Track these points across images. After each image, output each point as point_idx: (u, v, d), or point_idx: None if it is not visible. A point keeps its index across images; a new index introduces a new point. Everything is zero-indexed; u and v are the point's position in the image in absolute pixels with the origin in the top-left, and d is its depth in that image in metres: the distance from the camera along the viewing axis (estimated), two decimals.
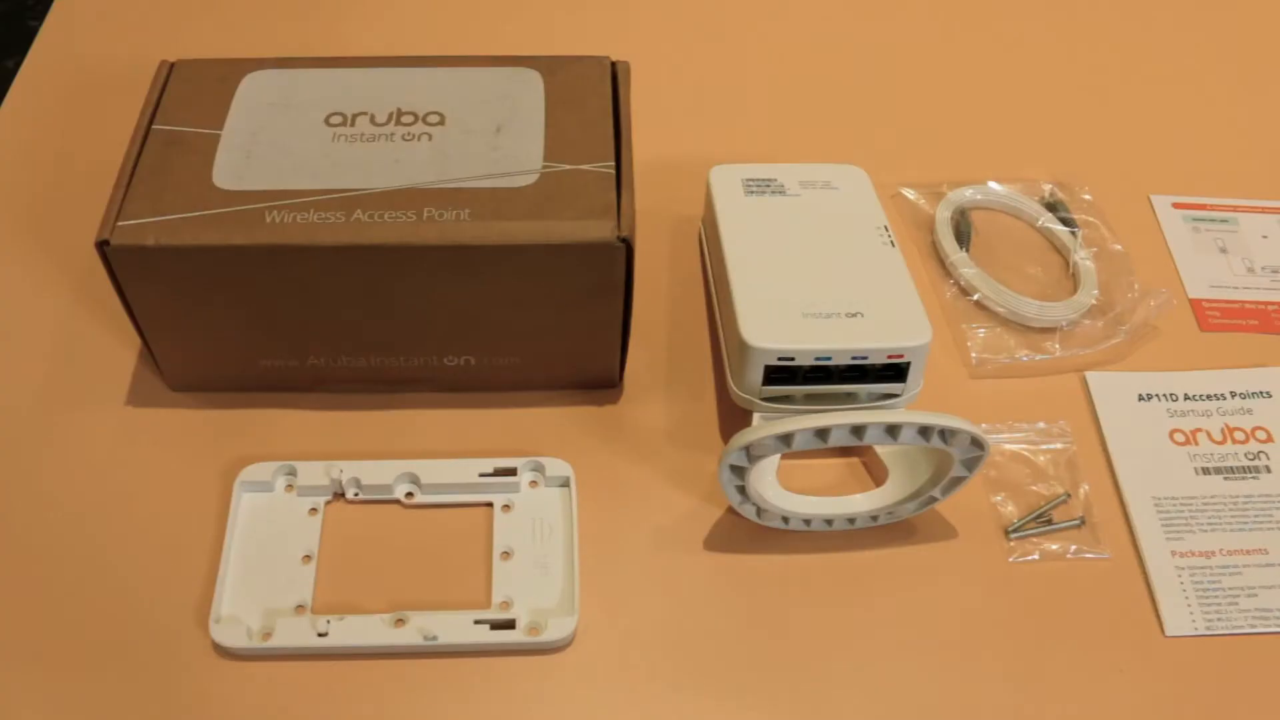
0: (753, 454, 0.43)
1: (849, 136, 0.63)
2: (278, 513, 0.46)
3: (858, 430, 0.42)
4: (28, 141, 0.60)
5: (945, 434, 0.43)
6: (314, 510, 0.46)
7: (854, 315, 0.46)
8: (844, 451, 0.50)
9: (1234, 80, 0.68)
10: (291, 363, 0.48)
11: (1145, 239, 0.59)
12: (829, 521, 0.47)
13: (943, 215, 0.57)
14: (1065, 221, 0.58)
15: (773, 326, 0.46)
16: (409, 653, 0.43)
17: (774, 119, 0.64)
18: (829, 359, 0.45)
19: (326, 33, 0.67)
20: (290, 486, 0.47)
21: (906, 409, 0.47)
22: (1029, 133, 0.64)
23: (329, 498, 0.47)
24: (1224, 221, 0.60)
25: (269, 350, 0.48)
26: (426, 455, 0.48)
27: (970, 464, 0.45)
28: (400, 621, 0.43)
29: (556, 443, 0.49)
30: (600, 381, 0.50)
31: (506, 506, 0.47)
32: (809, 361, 0.46)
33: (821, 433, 0.42)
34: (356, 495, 0.47)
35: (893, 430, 0.43)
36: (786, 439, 0.42)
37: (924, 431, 0.43)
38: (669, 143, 0.62)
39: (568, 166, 0.46)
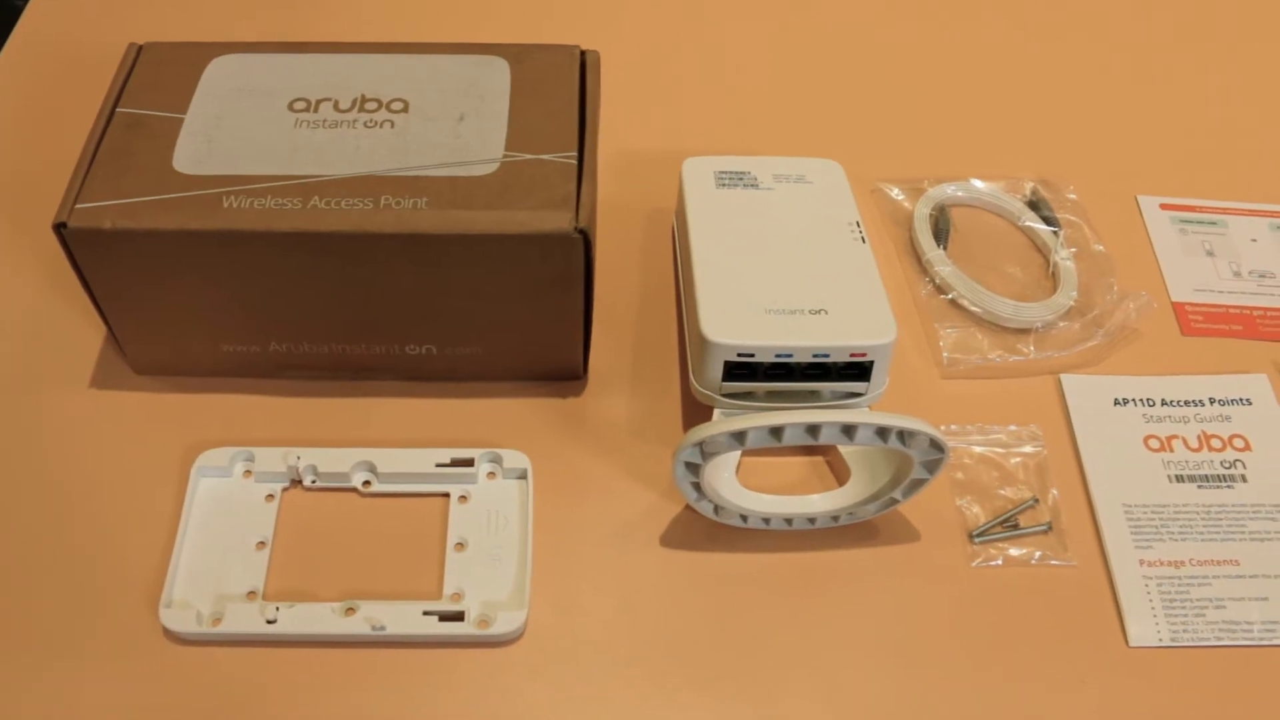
0: (706, 451, 0.42)
1: (834, 131, 0.62)
2: (234, 498, 0.46)
3: (812, 430, 0.42)
4: (3, 122, 0.61)
5: (904, 435, 0.42)
6: (271, 496, 0.46)
7: (818, 312, 0.46)
8: (808, 450, 0.49)
9: (1227, 80, 0.67)
10: (253, 348, 0.48)
11: (1130, 240, 0.58)
12: (789, 521, 0.46)
13: (921, 212, 0.56)
14: (1047, 220, 0.56)
15: (733, 322, 0.45)
16: (357, 642, 0.43)
17: (759, 112, 0.63)
18: (790, 356, 0.45)
19: (307, 17, 0.66)
20: (248, 472, 0.47)
21: (865, 409, 0.46)
22: (1017, 130, 0.63)
23: (286, 484, 0.47)
24: (1212, 224, 0.58)
25: (230, 335, 0.48)
26: (388, 444, 0.48)
27: (931, 466, 0.44)
28: (350, 610, 0.43)
29: (517, 434, 0.49)
30: (564, 373, 0.50)
31: (463, 498, 0.47)
32: (769, 359, 0.45)
33: (776, 431, 0.42)
34: (314, 482, 0.47)
35: (849, 430, 0.42)
36: (740, 436, 0.42)
37: (881, 432, 0.42)
38: (650, 134, 0.61)
39: (529, 156, 0.45)
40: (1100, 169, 0.61)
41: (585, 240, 0.44)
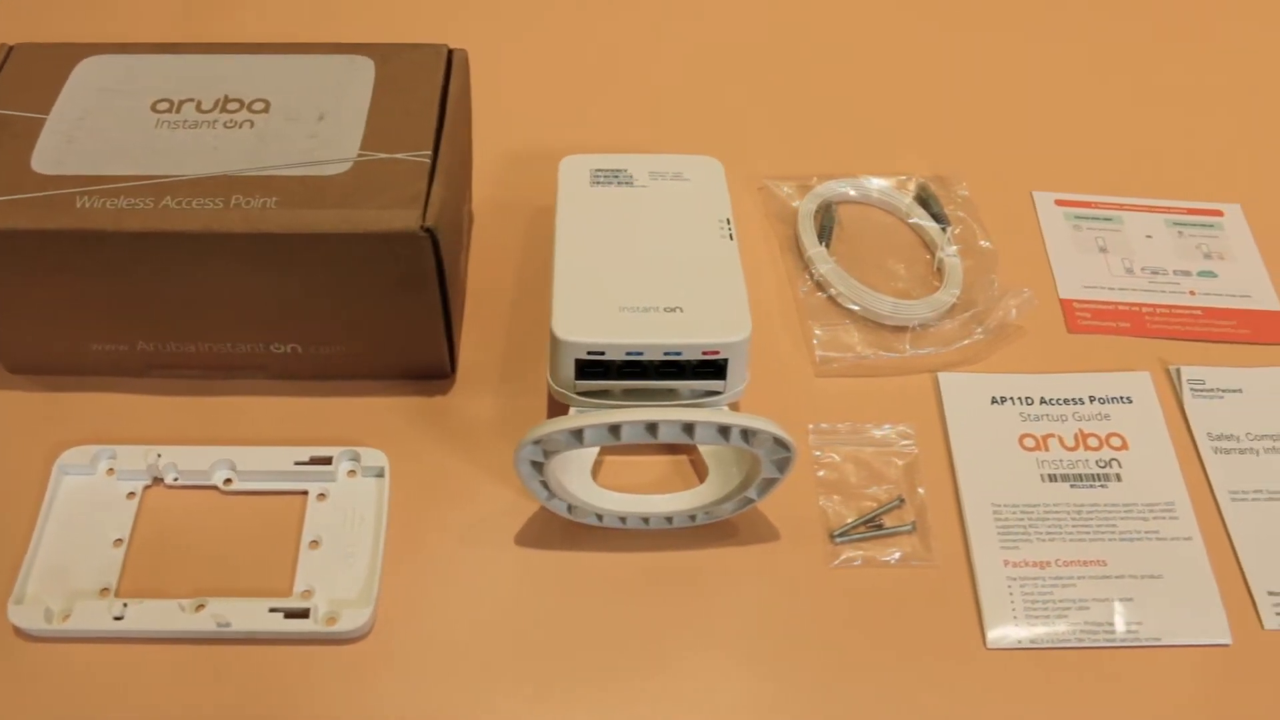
0: (546, 449, 0.42)
1: (728, 128, 0.62)
2: (96, 496, 0.46)
3: (651, 428, 0.42)
4: None
5: (747, 434, 0.42)
6: (132, 494, 0.47)
7: (672, 310, 0.45)
8: (672, 449, 0.49)
9: (1126, 76, 0.66)
10: (121, 347, 0.48)
11: (1021, 236, 0.57)
12: (645, 520, 0.46)
13: (806, 208, 0.55)
14: (936, 217, 0.56)
15: (585, 320, 0.45)
16: (205, 638, 0.43)
17: (653, 111, 0.63)
18: (641, 354, 0.45)
19: (196, 17, 0.67)
20: (111, 470, 0.47)
21: (708, 408, 0.45)
22: (913, 127, 0.62)
23: (148, 482, 0.47)
24: (1108, 220, 0.58)
25: (97, 335, 0.48)
26: (256, 443, 0.48)
27: (780, 465, 0.43)
28: (200, 607, 0.43)
29: (382, 432, 0.49)
30: (430, 372, 0.50)
31: (322, 495, 0.47)
32: (620, 357, 0.45)
33: (614, 429, 0.42)
34: (176, 480, 0.47)
35: (689, 429, 0.42)
36: (578, 434, 0.42)
37: (723, 431, 0.42)
38: (541, 133, 0.61)
39: (383, 155, 0.45)
40: (996, 165, 0.60)
41: (433, 239, 0.44)
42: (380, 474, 0.47)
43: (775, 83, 0.64)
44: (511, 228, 0.56)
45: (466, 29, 0.67)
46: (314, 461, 0.47)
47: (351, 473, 0.47)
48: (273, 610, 0.43)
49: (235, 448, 0.47)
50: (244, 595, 0.44)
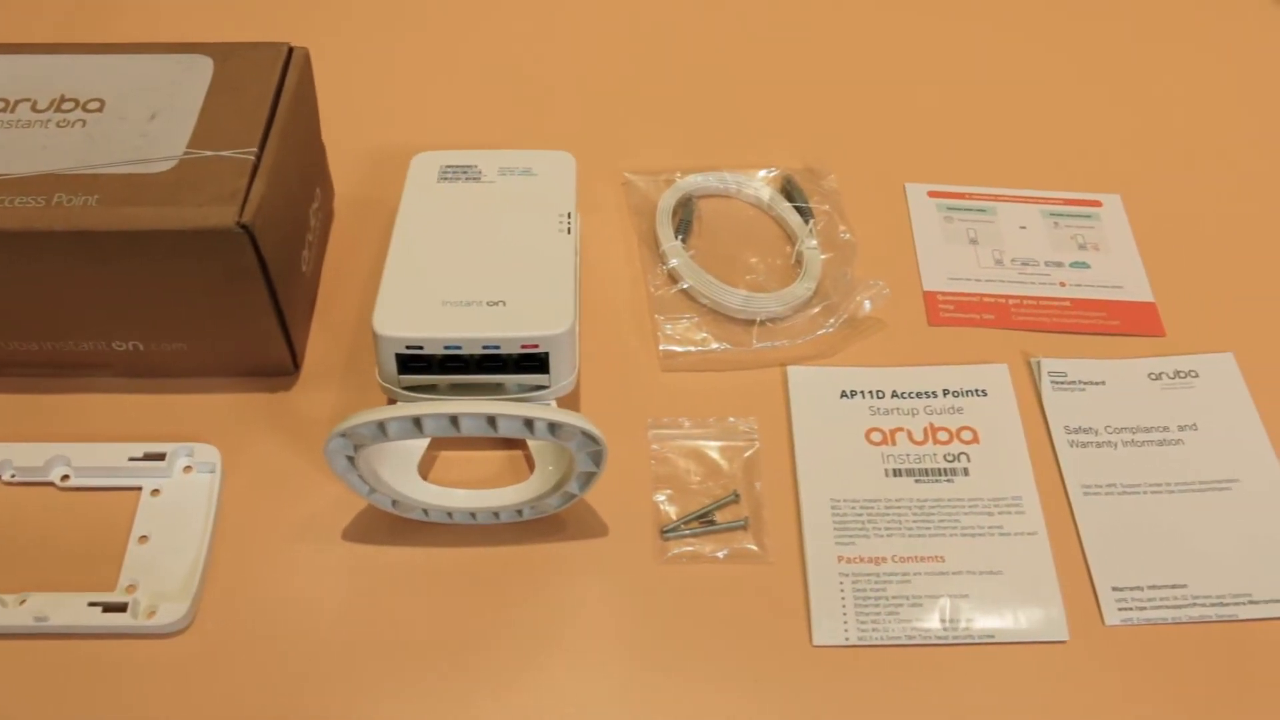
0: (354, 442, 0.42)
1: (599, 123, 0.62)
2: None
3: (454, 421, 0.41)
4: None
5: (553, 428, 0.41)
6: None
7: (495, 304, 0.45)
8: (508, 444, 0.49)
9: (1008, 66, 0.65)
10: None
11: (890, 228, 0.56)
12: (473, 515, 0.46)
13: (665, 202, 0.55)
14: (801, 210, 0.55)
15: (405, 315, 0.45)
16: (23, 633, 0.43)
17: (525, 108, 0.63)
18: (459, 348, 0.44)
19: (76, 16, 0.68)
20: None
21: (515, 402, 0.45)
22: (784, 119, 0.61)
23: None
24: (981, 211, 0.56)
25: None
26: (98, 440, 0.49)
27: (594, 459, 0.43)
28: (23, 602, 0.44)
29: (222, 429, 0.49)
30: (273, 369, 0.50)
31: (156, 491, 0.47)
32: (439, 351, 0.45)
33: (418, 422, 0.41)
34: (13, 477, 0.47)
35: (492, 422, 0.41)
36: (381, 427, 0.41)
37: (528, 424, 0.41)
38: (411, 132, 0.61)
39: (209, 153, 0.46)
40: (869, 157, 0.59)
41: (251, 235, 0.44)
42: (213, 470, 0.47)
43: (647, 76, 0.64)
44: (372, 225, 0.56)
45: (343, 29, 0.67)
46: (148, 458, 0.47)
47: (188, 469, 0.47)
48: (92, 604, 0.43)
49: (72, 444, 0.47)
50: (70, 591, 0.44)
